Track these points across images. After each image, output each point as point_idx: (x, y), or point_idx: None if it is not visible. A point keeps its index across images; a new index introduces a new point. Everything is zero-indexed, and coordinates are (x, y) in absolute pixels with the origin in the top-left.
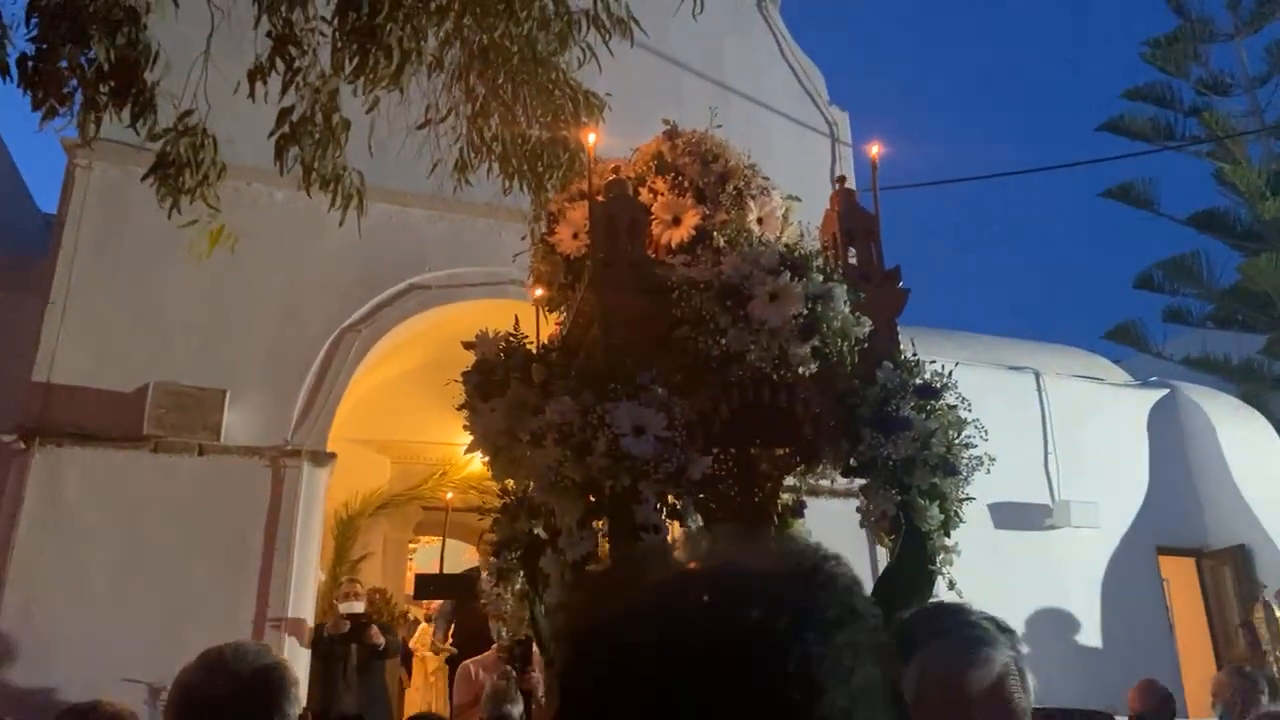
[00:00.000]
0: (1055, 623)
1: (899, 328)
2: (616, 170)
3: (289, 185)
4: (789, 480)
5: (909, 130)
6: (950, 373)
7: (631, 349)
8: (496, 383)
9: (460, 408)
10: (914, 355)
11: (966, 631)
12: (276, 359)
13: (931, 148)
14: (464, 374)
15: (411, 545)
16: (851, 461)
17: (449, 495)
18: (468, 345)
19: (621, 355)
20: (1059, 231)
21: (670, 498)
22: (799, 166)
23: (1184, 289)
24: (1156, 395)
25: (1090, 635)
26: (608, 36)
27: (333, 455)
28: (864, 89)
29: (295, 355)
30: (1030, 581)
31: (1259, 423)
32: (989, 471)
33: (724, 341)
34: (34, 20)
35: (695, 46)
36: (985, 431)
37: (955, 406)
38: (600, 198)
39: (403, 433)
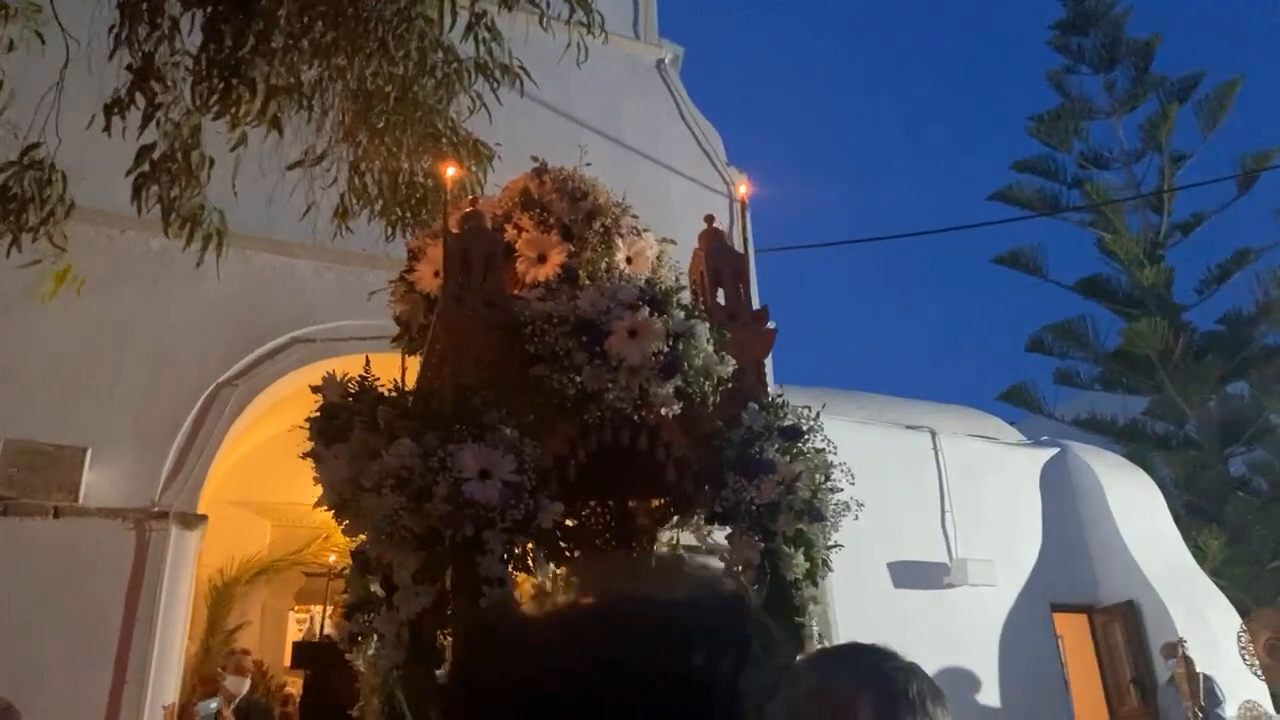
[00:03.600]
0: (955, 681)
1: (797, 388)
2: (474, 203)
3: (164, 232)
4: (666, 535)
5: (808, 191)
6: (817, 415)
7: (483, 388)
8: (340, 428)
9: (304, 456)
10: (780, 398)
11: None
12: (145, 415)
13: (831, 208)
14: (308, 419)
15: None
16: (716, 508)
17: (332, 558)
18: (315, 389)
19: (470, 394)
20: (954, 295)
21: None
22: (699, 225)
23: (1073, 352)
24: (1048, 454)
25: (989, 693)
26: (495, 85)
27: (203, 517)
28: (764, 150)
29: (166, 411)
30: (930, 640)
31: (1143, 481)
32: (849, 519)
33: (580, 380)
34: None
35: (595, 105)
36: (881, 490)
37: (822, 450)
38: (456, 231)
39: (284, 494)
